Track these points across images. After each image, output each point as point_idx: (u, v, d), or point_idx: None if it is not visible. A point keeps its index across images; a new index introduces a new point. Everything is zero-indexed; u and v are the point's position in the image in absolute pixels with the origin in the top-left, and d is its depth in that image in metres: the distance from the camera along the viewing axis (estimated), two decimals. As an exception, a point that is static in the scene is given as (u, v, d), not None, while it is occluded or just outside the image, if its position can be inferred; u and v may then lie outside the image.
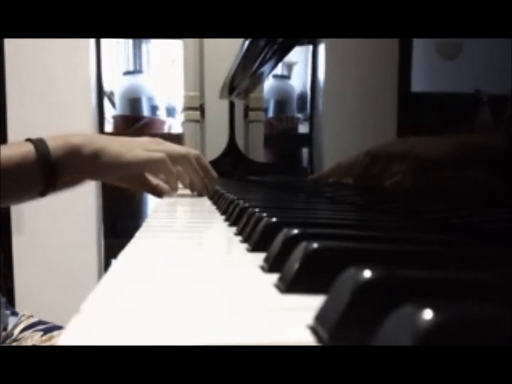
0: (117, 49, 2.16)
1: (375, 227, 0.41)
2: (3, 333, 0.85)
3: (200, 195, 0.82)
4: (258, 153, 1.46)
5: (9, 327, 0.87)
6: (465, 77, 0.39)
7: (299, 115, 0.97)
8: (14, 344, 0.85)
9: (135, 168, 0.73)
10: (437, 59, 0.43)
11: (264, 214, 0.37)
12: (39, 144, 0.66)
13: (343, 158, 0.65)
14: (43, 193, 0.69)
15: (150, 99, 2.10)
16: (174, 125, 2.13)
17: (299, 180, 0.92)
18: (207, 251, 0.37)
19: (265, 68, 1.17)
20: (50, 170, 0.66)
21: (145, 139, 0.78)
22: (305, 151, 0.89)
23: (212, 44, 1.73)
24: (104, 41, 1.86)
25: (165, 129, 2.11)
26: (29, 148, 0.66)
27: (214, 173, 0.83)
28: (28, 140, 0.67)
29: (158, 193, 0.81)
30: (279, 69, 1.14)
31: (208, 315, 0.20)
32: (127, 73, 2.15)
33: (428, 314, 0.13)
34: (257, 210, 0.41)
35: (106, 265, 1.82)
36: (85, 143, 0.69)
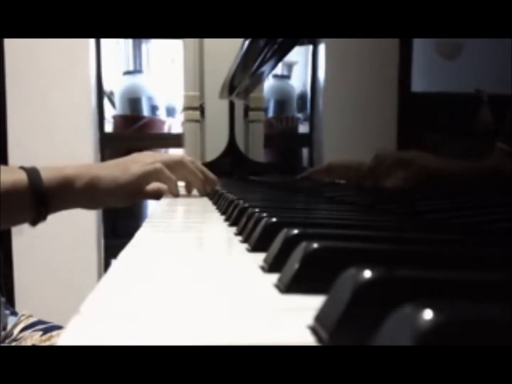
0: (117, 49, 2.16)
1: (375, 227, 0.41)
2: (3, 333, 0.85)
3: (202, 195, 0.83)
4: (258, 153, 1.47)
5: (9, 327, 0.87)
6: (465, 77, 0.39)
7: (299, 115, 0.97)
8: (14, 343, 0.85)
9: (134, 185, 0.73)
10: (437, 59, 0.43)
11: (264, 214, 0.37)
12: (32, 173, 0.65)
13: (335, 160, 0.66)
14: (34, 222, 0.68)
15: (150, 99, 2.10)
16: (174, 125, 2.13)
17: (299, 180, 0.92)
18: (207, 251, 0.37)
19: (265, 68, 1.17)
20: (41, 200, 0.65)
21: (136, 156, 0.78)
22: (305, 151, 0.89)
23: (212, 44, 1.73)
24: (104, 41, 1.86)
25: (165, 129, 2.11)
26: (22, 176, 0.64)
27: (212, 175, 0.84)
28: (22, 168, 0.66)
29: (158, 196, 0.81)
30: (279, 69, 1.14)
31: (208, 315, 0.20)
32: (127, 73, 2.15)
33: (428, 314, 0.13)
34: (257, 210, 0.41)
35: (106, 265, 1.82)
36: (79, 174, 0.69)
